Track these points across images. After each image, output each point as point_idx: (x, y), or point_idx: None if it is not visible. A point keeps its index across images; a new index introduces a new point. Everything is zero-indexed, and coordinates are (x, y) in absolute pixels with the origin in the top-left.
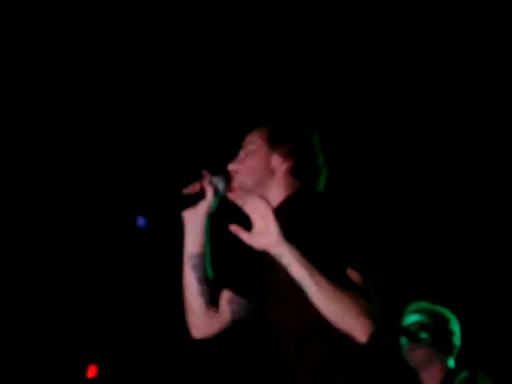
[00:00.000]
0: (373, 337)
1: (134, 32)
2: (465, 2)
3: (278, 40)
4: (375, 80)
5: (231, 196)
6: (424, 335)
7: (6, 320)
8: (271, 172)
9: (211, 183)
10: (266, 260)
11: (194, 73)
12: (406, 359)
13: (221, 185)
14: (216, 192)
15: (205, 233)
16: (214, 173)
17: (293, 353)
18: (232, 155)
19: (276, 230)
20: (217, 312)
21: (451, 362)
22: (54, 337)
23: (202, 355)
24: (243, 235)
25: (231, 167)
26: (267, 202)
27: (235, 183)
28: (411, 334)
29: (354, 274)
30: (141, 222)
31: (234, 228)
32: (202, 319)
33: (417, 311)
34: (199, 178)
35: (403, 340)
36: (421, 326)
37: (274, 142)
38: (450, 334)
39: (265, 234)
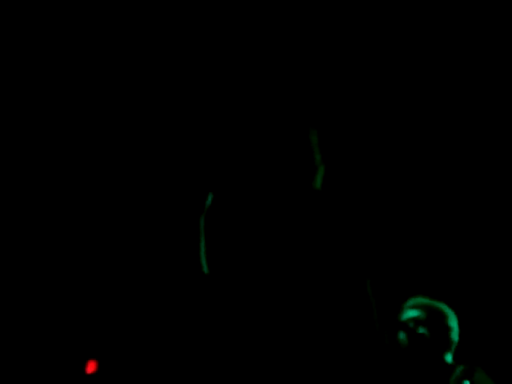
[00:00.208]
0: (371, 334)
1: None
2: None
3: (275, 38)
4: (374, 77)
5: None
6: (422, 331)
7: (4, 315)
8: None
9: None
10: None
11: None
12: (403, 355)
13: None
14: None
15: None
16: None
17: (293, 349)
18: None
19: None
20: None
21: (449, 358)
22: (53, 332)
23: (203, 352)
24: None
25: None
26: None
27: None
28: (409, 329)
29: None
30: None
31: None
32: None
33: (414, 307)
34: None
35: (401, 336)
36: (418, 321)
37: None
38: (447, 329)
39: None
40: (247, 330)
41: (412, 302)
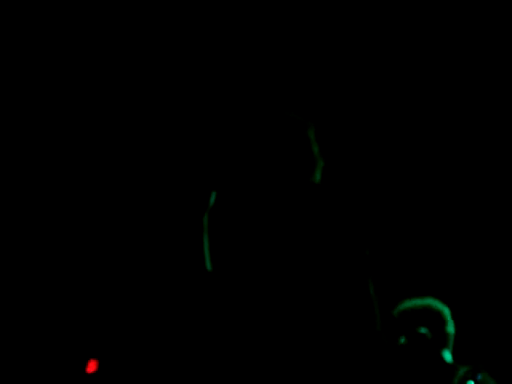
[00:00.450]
0: (372, 335)
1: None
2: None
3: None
4: (372, 69)
5: None
6: (420, 330)
7: (4, 314)
8: None
9: None
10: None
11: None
12: (404, 357)
13: None
14: None
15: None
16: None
17: (293, 348)
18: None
19: None
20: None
21: (448, 356)
22: (53, 331)
23: (203, 352)
24: None
25: None
26: None
27: None
28: (409, 330)
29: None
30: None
31: None
32: None
33: (409, 307)
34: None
35: (400, 336)
36: (418, 322)
37: None
38: (444, 326)
39: None
40: (249, 326)
41: (408, 303)
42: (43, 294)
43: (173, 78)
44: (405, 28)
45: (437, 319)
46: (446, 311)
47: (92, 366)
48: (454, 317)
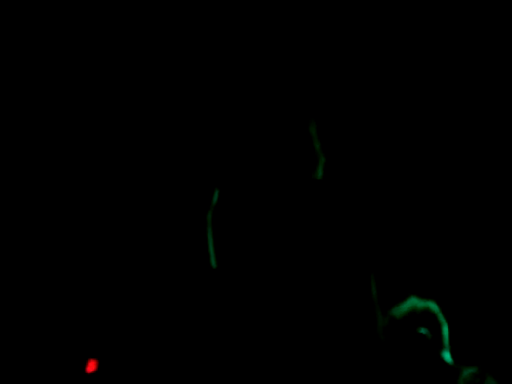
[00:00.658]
0: (372, 335)
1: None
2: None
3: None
4: (373, 64)
5: None
6: (423, 331)
7: (4, 314)
8: None
9: None
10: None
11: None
12: (404, 358)
13: None
14: None
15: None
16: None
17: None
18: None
19: None
20: None
21: (447, 356)
22: (53, 330)
23: (203, 352)
24: None
25: None
26: None
27: None
28: (410, 331)
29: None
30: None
31: None
32: None
33: (408, 309)
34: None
35: (400, 336)
36: (417, 322)
37: None
38: (441, 326)
39: None
40: (252, 321)
41: (406, 304)
42: (42, 291)
43: (174, 73)
44: (410, 19)
45: (433, 320)
46: (438, 310)
47: (92, 366)
48: (451, 317)
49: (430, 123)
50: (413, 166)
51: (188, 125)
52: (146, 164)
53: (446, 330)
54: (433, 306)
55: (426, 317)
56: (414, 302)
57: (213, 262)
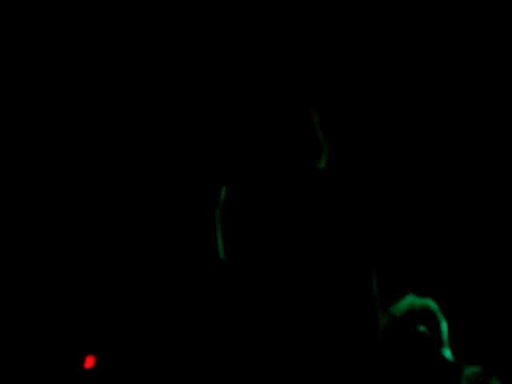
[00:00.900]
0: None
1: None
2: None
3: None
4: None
5: None
6: (422, 329)
7: (3, 313)
8: None
9: None
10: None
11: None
12: (404, 356)
13: None
14: None
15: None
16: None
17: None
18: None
19: None
20: None
21: (448, 353)
22: (51, 327)
23: (203, 349)
24: None
25: None
26: None
27: None
28: (410, 329)
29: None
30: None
31: None
32: None
33: (408, 307)
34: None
35: (400, 335)
36: (416, 320)
37: None
38: (439, 324)
39: None
40: (253, 317)
41: (404, 302)
42: (42, 290)
43: (177, 69)
44: (413, 13)
45: (431, 317)
46: (436, 307)
47: (90, 362)
48: (451, 315)
49: (432, 120)
50: (413, 166)
51: (193, 124)
52: (157, 163)
53: (444, 327)
54: (431, 304)
55: (425, 314)
56: (411, 300)
57: (221, 253)
